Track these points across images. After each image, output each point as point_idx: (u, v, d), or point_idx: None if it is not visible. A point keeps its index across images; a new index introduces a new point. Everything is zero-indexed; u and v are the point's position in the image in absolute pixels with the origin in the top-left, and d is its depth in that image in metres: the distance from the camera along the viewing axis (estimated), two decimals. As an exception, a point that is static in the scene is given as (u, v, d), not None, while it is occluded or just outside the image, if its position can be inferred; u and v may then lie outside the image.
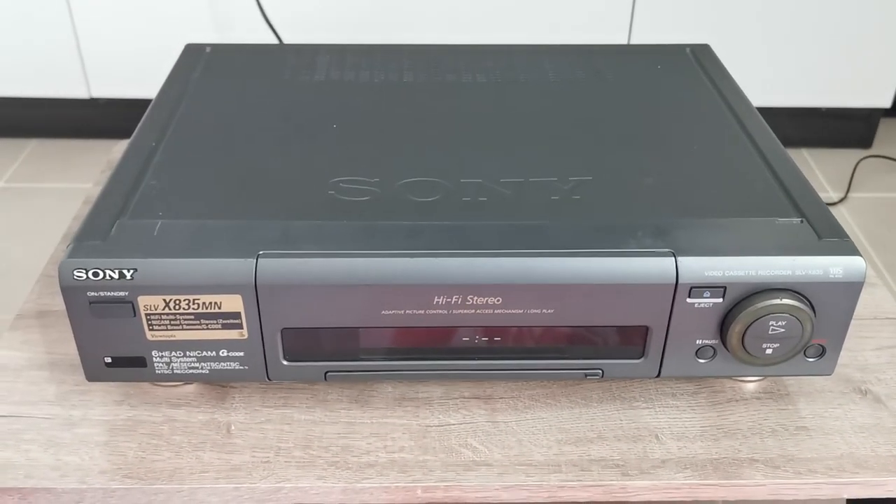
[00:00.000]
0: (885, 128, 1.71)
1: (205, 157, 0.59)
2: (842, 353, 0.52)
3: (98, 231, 0.50)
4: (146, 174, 0.56)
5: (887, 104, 1.61)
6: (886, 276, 1.38)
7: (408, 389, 0.56)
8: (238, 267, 0.48)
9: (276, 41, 1.43)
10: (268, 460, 0.51)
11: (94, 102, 1.61)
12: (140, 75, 1.52)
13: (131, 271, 0.48)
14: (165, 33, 1.49)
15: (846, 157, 1.66)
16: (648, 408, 0.55)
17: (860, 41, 1.53)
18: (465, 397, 0.56)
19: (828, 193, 1.57)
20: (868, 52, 1.55)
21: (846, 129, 1.68)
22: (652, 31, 1.51)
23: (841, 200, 1.56)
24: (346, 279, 0.48)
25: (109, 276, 0.48)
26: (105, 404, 0.55)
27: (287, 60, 0.73)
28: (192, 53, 0.73)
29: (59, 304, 0.62)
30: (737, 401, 0.56)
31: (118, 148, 0.81)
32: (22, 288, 0.76)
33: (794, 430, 0.54)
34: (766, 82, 1.53)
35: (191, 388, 0.56)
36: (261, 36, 1.45)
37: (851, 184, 1.59)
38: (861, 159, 1.64)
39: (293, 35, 1.47)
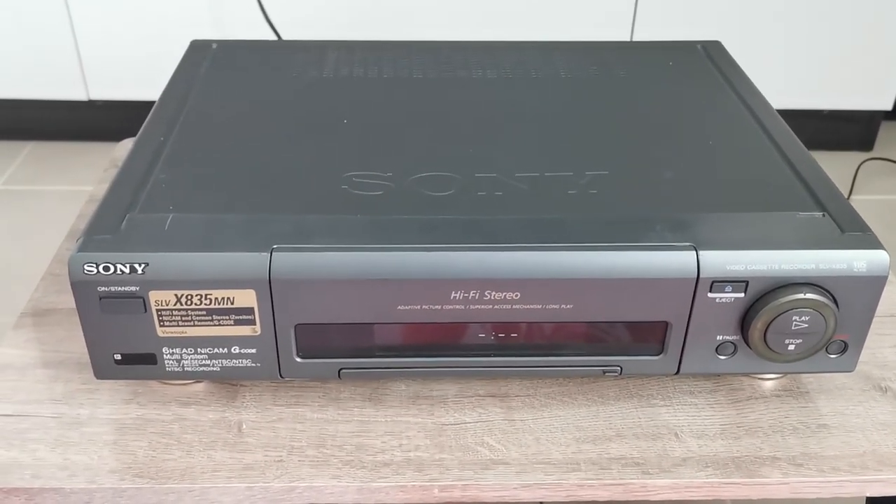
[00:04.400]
0: (887, 130, 1.71)
1: (214, 151, 0.58)
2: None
3: (108, 225, 0.49)
4: (155, 168, 0.55)
5: (888, 106, 1.61)
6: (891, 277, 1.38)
7: (421, 387, 0.55)
8: (252, 261, 0.47)
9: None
10: (281, 459, 0.50)
11: (92, 104, 1.60)
12: (139, 77, 1.51)
13: (142, 265, 0.47)
14: (164, 35, 1.48)
15: (847, 160, 1.65)
16: (667, 406, 0.54)
17: (861, 44, 1.53)
18: (479, 395, 0.55)
19: (830, 196, 1.56)
20: (869, 55, 1.55)
21: (847, 131, 1.68)
22: (654, 31, 1.50)
23: (843, 203, 1.55)
24: (363, 273, 0.47)
25: (120, 270, 0.47)
26: (113, 403, 0.53)
27: (294, 56, 0.72)
28: (198, 49, 0.72)
29: (64, 302, 0.61)
30: (756, 399, 0.55)
31: (122, 146, 0.80)
32: (19, 290, 0.75)
33: (816, 428, 0.53)
34: (767, 84, 1.52)
35: (200, 387, 0.55)
36: (260, 36, 1.44)
37: (853, 187, 1.58)
38: (862, 162, 1.64)
39: (292, 35, 1.46)
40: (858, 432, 0.52)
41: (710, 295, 0.49)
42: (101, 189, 0.65)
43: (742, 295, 0.49)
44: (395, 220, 0.50)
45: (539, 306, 0.49)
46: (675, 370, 0.52)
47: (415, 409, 0.54)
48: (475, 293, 0.48)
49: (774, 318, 0.49)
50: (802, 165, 0.56)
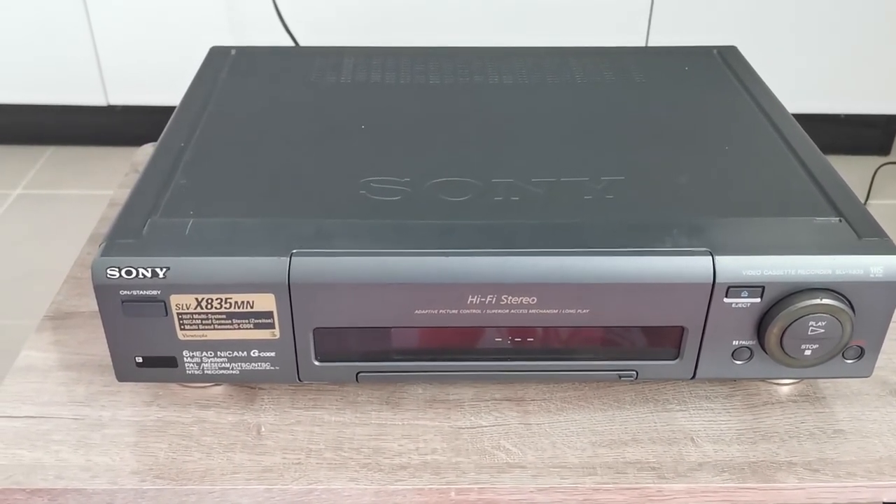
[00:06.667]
0: (904, 135, 1.70)
1: (234, 156, 0.59)
2: (878, 355, 0.52)
3: (130, 230, 0.50)
4: (176, 173, 0.56)
5: (906, 111, 1.61)
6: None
7: (438, 391, 0.56)
8: (272, 265, 0.48)
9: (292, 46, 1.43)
10: (299, 462, 0.51)
11: (111, 110, 1.62)
12: (158, 82, 1.53)
13: (164, 270, 0.47)
14: (183, 41, 1.50)
15: (865, 164, 1.65)
16: (682, 410, 0.55)
17: (878, 48, 1.53)
18: (496, 399, 0.55)
19: (847, 200, 1.55)
20: (886, 59, 1.54)
21: (864, 136, 1.67)
22: (670, 36, 1.51)
23: (860, 207, 1.54)
24: (381, 278, 0.48)
25: (142, 274, 0.47)
26: (134, 405, 0.54)
27: (313, 62, 0.72)
28: (218, 55, 0.73)
29: (86, 305, 0.62)
30: (772, 404, 0.55)
31: (142, 151, 0.81)
32: (39, 293, 0.76)
33: (832, 434, 0.53)
34: (784, 89, 1.52)
35: (219, 390, 0.56)
36: (278, 41, 1.46)
37: (870, 191, 1.58)
38: (880, 166, 1.63)
39: (309, 40, 1.47)
40: (875, 438, 0.52)
41: (726, 300, 0.49)
42: (122, 193, 0.66)
43: (758, 300, 0.49)
44: (413, 224, 0.51)
45: (555, 311, 0.49)
46: (691, 375, 0.53)
47: (431, 413, 0.54)
48: (492, 298, 0.49)
49: (791, 324, 0.49)
50: (819, 170, 0.56)
